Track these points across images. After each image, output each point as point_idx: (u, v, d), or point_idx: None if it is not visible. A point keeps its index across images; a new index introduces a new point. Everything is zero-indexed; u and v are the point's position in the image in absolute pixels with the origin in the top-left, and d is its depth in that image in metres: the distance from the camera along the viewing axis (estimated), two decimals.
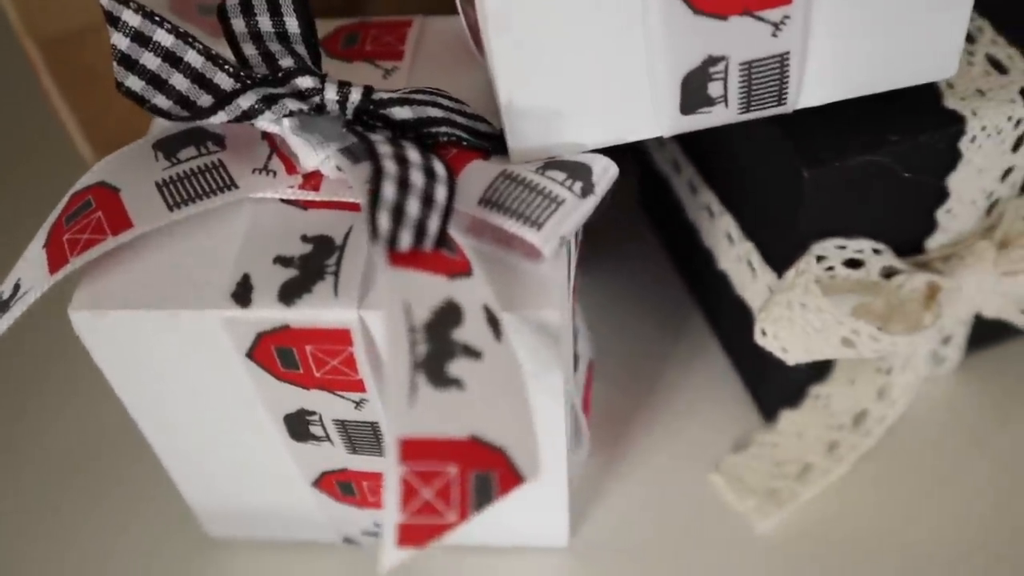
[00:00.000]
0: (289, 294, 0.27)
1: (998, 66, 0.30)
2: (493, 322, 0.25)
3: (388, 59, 0.33)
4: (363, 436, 0.30)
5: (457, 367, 0.24)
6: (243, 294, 0.27)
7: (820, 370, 0.37)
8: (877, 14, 0.27)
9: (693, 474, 0.38)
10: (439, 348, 0.24)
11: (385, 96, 0.28)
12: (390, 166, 0.25)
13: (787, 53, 0.27)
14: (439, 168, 0.26)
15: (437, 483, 0.23)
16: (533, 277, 0.27)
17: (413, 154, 0.26)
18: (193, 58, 0.28)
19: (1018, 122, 0.30)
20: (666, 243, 0.44)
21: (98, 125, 0.38)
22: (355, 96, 0.27)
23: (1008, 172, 0.31)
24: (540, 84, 0.27)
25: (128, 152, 0.29)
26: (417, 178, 0.25)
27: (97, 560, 0.37)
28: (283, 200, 0.29)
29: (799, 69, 0.28)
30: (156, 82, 0.28)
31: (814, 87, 0.28)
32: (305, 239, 0.28)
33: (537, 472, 0.24)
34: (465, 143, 0.28)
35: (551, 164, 0.28)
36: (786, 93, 0.28)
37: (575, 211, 0.27)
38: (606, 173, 0.28)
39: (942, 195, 0.31)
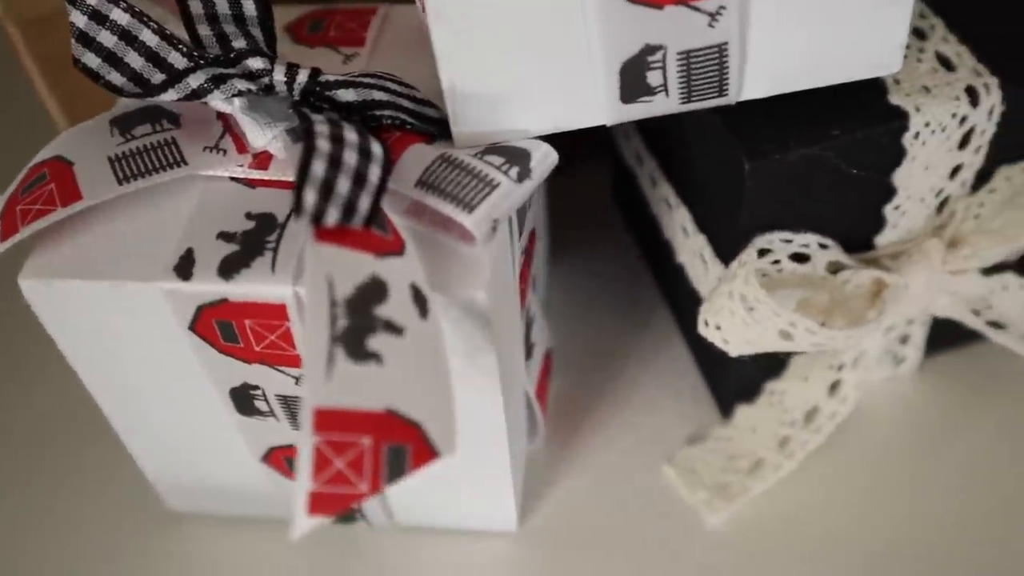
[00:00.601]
0: (228, 268, 0.27)
1: (947, 64, 0.30)
2: (420, 300, 0.25)
3: (349, 45, 0.34)
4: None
5: (377, 342, 0.24)
6: (185, 267, 0.27)
7: (776, 366, 0.37)
8: (818, 7, 0.27)
9: (647, 466, 0.38)
10: (360, 323, 0.24)
11: (331, 79, 0.28)
12: (323, 144, 0.26)
13: (725, 44, 0.27)
14: (376, 149, 0.27)
15: (350, 454, 0.23)
16: (464, 259, 0.27)
17: (350, 135, 0.26)
18: (148, 37, 0.28)
19: (963, 119, 0.30)
20: (636, 238, 0.44)
21: (78, 105, 0.39)
22: (302, 77, 0.28)
23: (957, 170, 0.31)
24: (482, 70, 0.27)
25: (86, 127, 0.30)
26: (350, 157, 0.26)
27: (59, 534, 0.38)
28: (232, 178, 0.29)
29: (739, 60, 0.28)
30: (112, 60, 0.28)
31: (756, 79, 0.29)
32: (249, 216, 0.28)
33: (453, 449, 0.24)
34: (409, 127, 0.29)
35: (491, 149, 0.28)
36: (727, 84, 0.28)
37: (510, 195, 0.27)
38: (545, 160, 0.28)
39: (889, 191, 0.31)
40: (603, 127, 0.30)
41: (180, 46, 0.29)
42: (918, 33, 0.31)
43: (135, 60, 0.29)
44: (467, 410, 0.30)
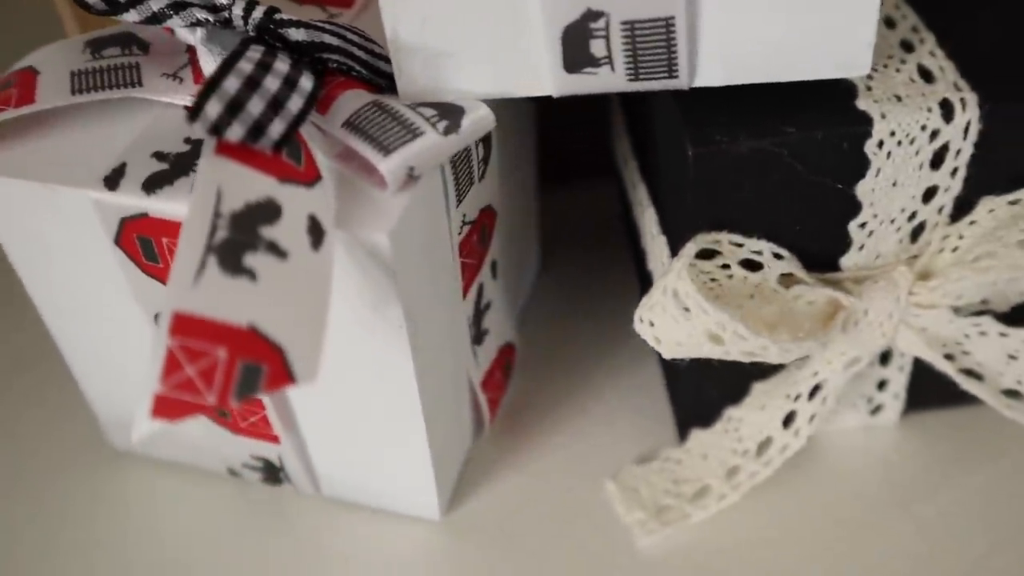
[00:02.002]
0: (152, 184, 0.28)
1: (927, 76, 0.29)
2: (315, 232, 0.25)
3: (337, 6, 0.34)
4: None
5: (255, 260, 0.24)
6: (114, 179, 0.28)
7: (737, 393, 0.35)
8: None
9: (591, 478, 0.36)
10: (240, 238, 0.24)
11: (285, 18, 0.29)
12: (245, 66, 0.26)
13: (672, 18, 0.26)
14: (305, 83, 0.27)
15: (203, 363, 0.23)
16: (377, 203, 0.27)
17: (280, 65, 0.27)
18: None
19: (934, 133, 0.28)
20: (631, 252, 0.43)
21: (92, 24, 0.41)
22: (257, 13, 0.29)
23: (932, 193, 0.29)
24: (424, 22, 0.27)
25: (65, 44, 0.31)
26: (272, 84, 0.26)
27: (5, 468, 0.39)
28: (185, 107, 0.30)
29: (689, 40, 0.27)
30: None
31: (710, 65, 0.27)
32: (187, 141, 0.29)
33: (313, 377, 0.24)
34: (356, 74, 0.29)
35: (429, 103, 0.28)
36: (676, 65, 0.27)
37: (433, 147, 0.27)
38: (480, 121, 0.28)
39: (853, 206, 0.29)
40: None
41: None
42: (905, 45, 0.30)
43: None
44: (376, 368, 0.30)
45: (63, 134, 0.30)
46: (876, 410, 0.36)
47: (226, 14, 0.29)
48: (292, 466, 0.35)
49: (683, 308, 0.28)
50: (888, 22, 0.31)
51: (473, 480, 0.37)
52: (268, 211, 0.25)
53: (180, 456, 0.37)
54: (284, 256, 0.24)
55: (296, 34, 0.28)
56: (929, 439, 0.36)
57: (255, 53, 0.26)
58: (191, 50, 0.31)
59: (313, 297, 0.25)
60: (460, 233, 0.31)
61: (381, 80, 0.29)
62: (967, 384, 0.31)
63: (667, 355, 0.30)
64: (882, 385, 0.35)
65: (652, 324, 0.29)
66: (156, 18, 0.29)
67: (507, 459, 0.37)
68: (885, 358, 0.34)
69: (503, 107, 0.33)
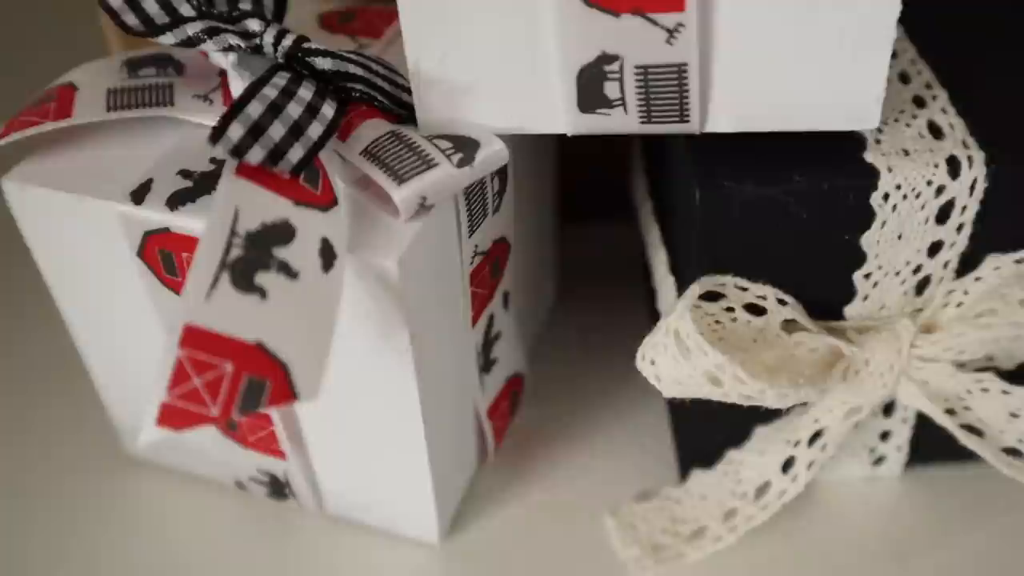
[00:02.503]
0: (176, 201, 0.29)
1: (937, 132, 0.29)
2: (327, 255, 0.26)
3: (367, 36, 0.35)
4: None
5: (266, 279, 0.25)
6: (140, 194, 0.29)
7: (740, 436, 0.35)
8: (787, 46, 0.27)
9: (591, 512, 0.36)
10: (254, 256, 0.25)
11: (313, 47, 0.30)
12: (270, 92, 0.27)
13: (684, 65, 0.27)
14: (327, 110, 0.28)
15: (210, 375, 0.24)
16: (389, 230, 0.28)
17: (304, 92, 0.28)
18: None
19: (940, 189, 0.28)
20: (646, 290, 0.43)
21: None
22: (287, 42, 0.30)
23: (937, 247, 0.29)
24: (445, 56, 0.28)
25: (104, 63, 0.33)
26: (294, 110, 0.27)
27: (10, 465, 0.40)
28: (212, 127, 0.31)
29: (702, 87, 0.27)
30: (132, 3, 0.31)
31: (721, 111, 0.28)
32: (212, 161, 0.30)
33: (314, 395, 0.25)
34: (378, 104, 0.30)
35: (446, 135, 0.29)
36: (688, 109, 0.28)
37: (446, 179, 0.28)
38: (494, 154, 0.29)
39: (858, 256, 0.29)
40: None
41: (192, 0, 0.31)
42: (918, 101, 0.30)
43: (151, 6, 0.31)
44: (381, 391, 0.30)
45: (96, 148, 0.31)
46: (879, 461, 0.36)
47: (257, 40, 0.30)
48: (297, 482, 0.35)
49: (684, 349, 0.29)
50: (903, 77, 0.31)
51: (475, 507, 0.37)
52: (283, 232, 0.26)
53: (191, 466, 0.38)
54: (295, 277, 0.25)
55: (323, 63, 0.29)
56: (931, 494, 0.36)
57: (280, 80, 0.28)
58: (223, 74, 0.32)
59: (320, 318, 0.25)
60: (471, 263, 0.32)
61: (403, 111, 0.30)
62: (967, 440, 0.31)
63: (667, 394, 0.30)
64: (885, 436, 0.35)
65: (654, 363, 0.30)
66: (191, 41, 0.30)
67: (510, 488, 0.38)
68: (888, 409, 0.34)
69: (522, 143, 0.34)
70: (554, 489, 0.38)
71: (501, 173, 0.32)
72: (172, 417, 0.24)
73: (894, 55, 0.32)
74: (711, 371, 0.28)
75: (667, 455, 0.38)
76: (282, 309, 0.25)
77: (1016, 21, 0.34)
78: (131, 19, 0.31)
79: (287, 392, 0.24)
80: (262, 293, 0.25)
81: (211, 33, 0.30)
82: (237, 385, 0.24)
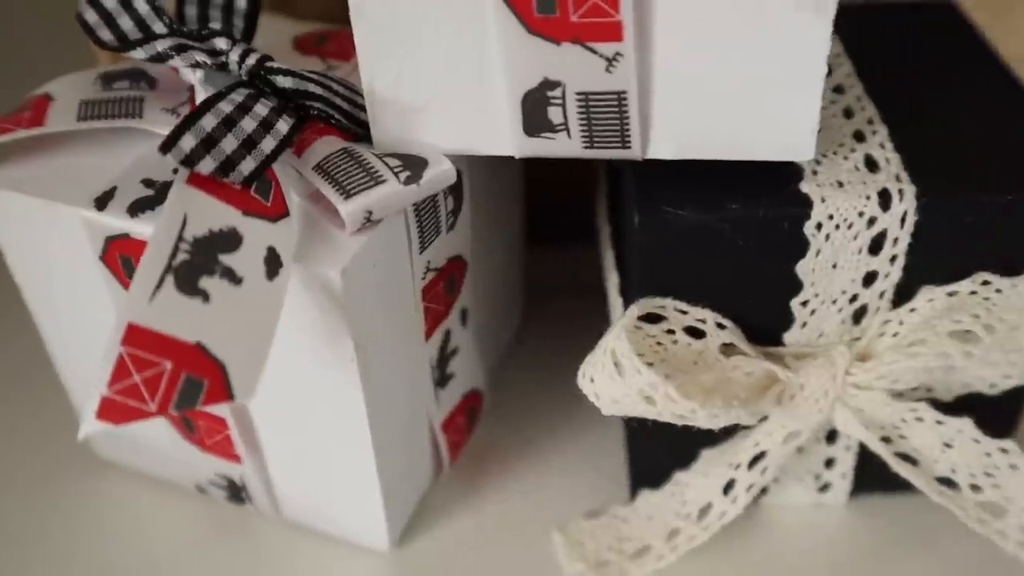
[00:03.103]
0: (137, 208, 0.30)
1: (872, 166, 0.30)
2: (272, 263, 0.27)
3: (337, 59, 0.36)
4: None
5: (210, 283, 0.26)
6: (103, 200, 0.30)
7: (687, 459, 0.36)
8: (723, 79, 0.28)
9: (541, 527, 0.37)
10: (200, 261, 0.26)
11: (275, 66, 0.31)
12: (226, 107, 0.28)
13: (624, 92, 0.28)
14: (281, 126, 0.29)
15: (149, 372, 0.25)
16: (335, 243, 0.29)
17: (260, 108, 0.29)
18: (141, 6, 0.32)
19: (871, 220, 0.29)
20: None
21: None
22: (250, 60, 0.31)
23: (872, 278, 0.30)
24: (399, 76, 0.29)
25: (80, 76, 0.34)
26: (248, 125, 0.28)
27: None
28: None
29: (642, 114, 0.28)
30: (108, 20, 0.32)
31: (663, 139, 0.29)
32: (175, 171, 0.31)
33: (250, 396, 0.26)
34: (335, 122, 0.31)
35: (397, 154, 0.30)
36: (628, 135, 0.29)
37: (392, 195, 0.29)
38: (442, 174, 0.30)
39: (794, 283, 0.30)
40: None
41: (164, 18, 0.32)
42: (858, 136, 0.31)
43: (126, 23, 0.32)
44: (330, 399, 0.31)
45: (66, 156, 0.32)
46: (824, 488, 0.37)
47: (224, 58, 0.31)
48: (254, 487, 0.36)
49: (620, 368, 0.29)
50: (847, 112, 0.32)
51: (428, 518, 0.38)
52: (229, 240, 0.27)
53: (157, 469, 0.39)
54: (238, 282, 0.26)
55: (284, 81, 0.31)
56: (876, 522, 0.37)
57: (238, 96, 0.29)
58: (192, 89, 0.33)
59: (261, 322, 0.26)
60: (424, 279, 0.33)
61: (360, 129, 0.31)
62: (900, 468, 0.32)
63: (606, 412, 0.31)
64: (830, 463, 0.36)
65: (593, 380, 0.31)
66: (160, 57, 0.31)
67: (464, 501, 0.39)
68: (832, 436, 0.35)
69: (481, 165, 0.35)
70: (507, 504, 0.38)
71: (456, 193, 0.33)
72: (111, 411, 0.25)
73: (841, 91, 0.33)
74: (645, 390, 0.29)
75: (620, 475, 0.39)
76: (223, 313, 0.26)
77: (960, 60, 0.35)
78: (106, 35, 0.32)
79: (223, 392, 0.25)
80: (205, 296, 0.26)
81: (179, 50, 0.31)
82: (175, 383, 0.25)
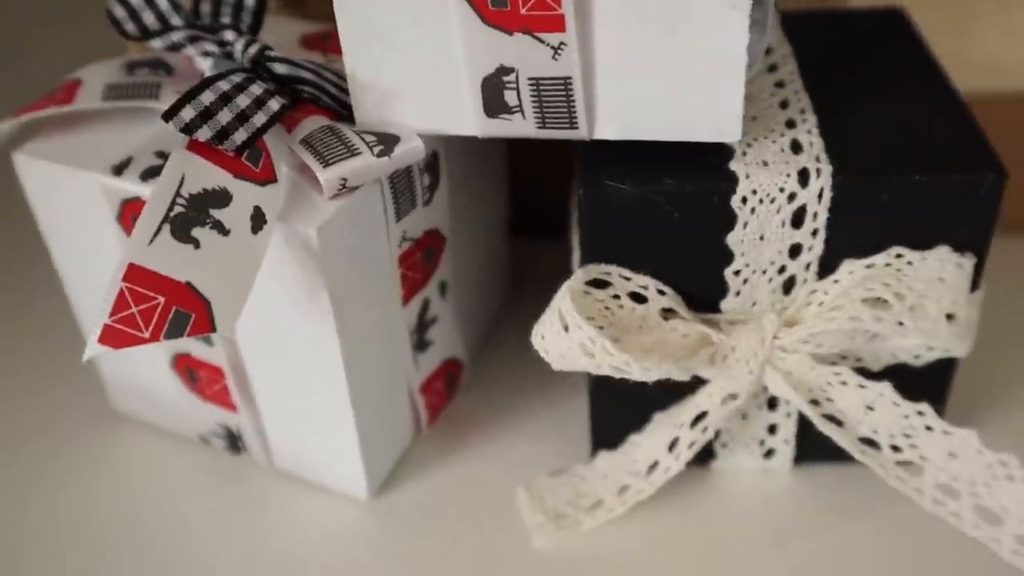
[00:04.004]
0: (148, 175, 0.34)
1: (797, 149, 0.33)
2: (257, 220, 0.31)
3: (336, 53, 0.41)
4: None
5: (201, 233, 0.30)
6: (120, 168, 0.35)
7: (642, 422, 0.39)
8: (654, 65, 0.31)
9: (509, 484, 0.40)
10: (193, 214, 0.30)
11: (273, 54, 0.35)
12: (223, 85, 0.32)
13: (569, 78, 0.32)
14: (273, 104, 0.33)
15: (145, 305, 0.29)
16: (315, 205, 0.33)
17: (256, 89, 0.33)
18: (161, 3, 0.37)
19: (791, 196, 0.32)
20: None
21: None
22: (252, 49, 0.35)
23: (797, 250, 0.33)
24: (377, 64, 0.33)
25: (109, 62, 0.39)
26: (243, 101, 0.33)
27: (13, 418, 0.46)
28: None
29: (587, 98, 0.32)
30: (133, 15, 0.37)
31: (606, 121, 0.33)
32: None
33: (230, 330, 0.30)
34: (323, 104, 0.35)
35: (375, 132, 0.34)
36: (576, 117, 0.32)
37: (365, 166, 0.33)
38: (411, 150, 0.34)
39: (726, 254, 0.33)
40: None
41: (181, 13, 0.37)
42: (790, 123, 0.34)
43: (148, 18, 0.37)
44: (311, 349, 0.35)
45: (92, 132, 0.37)
46: (769, 454, 0.39)
47: (230, 48, 0.36)
48: (248, 436, 0.40)
49: (564, 325, 0.33)
50: (783, 104, 0.35)
51: (406, 474, 0.42)
52: (220, 197, 0.31)
53: (165, 422, 0.43)
54: (226, 234, 0.31)
55: (279, 68, 0.35)
56: (819, 488, 0.39)
57: (236, 78, 0.33)
58: (204, 76, 0.38)
59: (243, 269, 0.31)
60: (400, 247, 0.37)
61: (345, 111, 0.36)
62: (825, 428, 0.34)
63: (555, 367, 0.34)
64: (772, 429, 0.39)
65: (543, 338, 0.34)
66: (175, 46, 0.36)
67: (441, 460, 0.42)
68: (773, 404, 0.38)
69: (462, 150, 0.39)
70: (480, 463, 0.42)
71: (432, 170, 0.37)
72: (111, 337, 0.29)
73: (782, 85, 0.37)
74: (585, 344, 0.33)
75: (585, 441, 0.42)
76: (211, 258, 0.30)
77: (899, 63, 0.38)
78: (131, 27, 0.37)
79: (207, 324, 0.29)
80: (196, 244, 0.30)
81: (192, 40, 0.36)
82: (167, 315, 0.29)
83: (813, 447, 0.39)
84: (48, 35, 0.62)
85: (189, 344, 0.38)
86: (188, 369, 0.39)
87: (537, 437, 0.43)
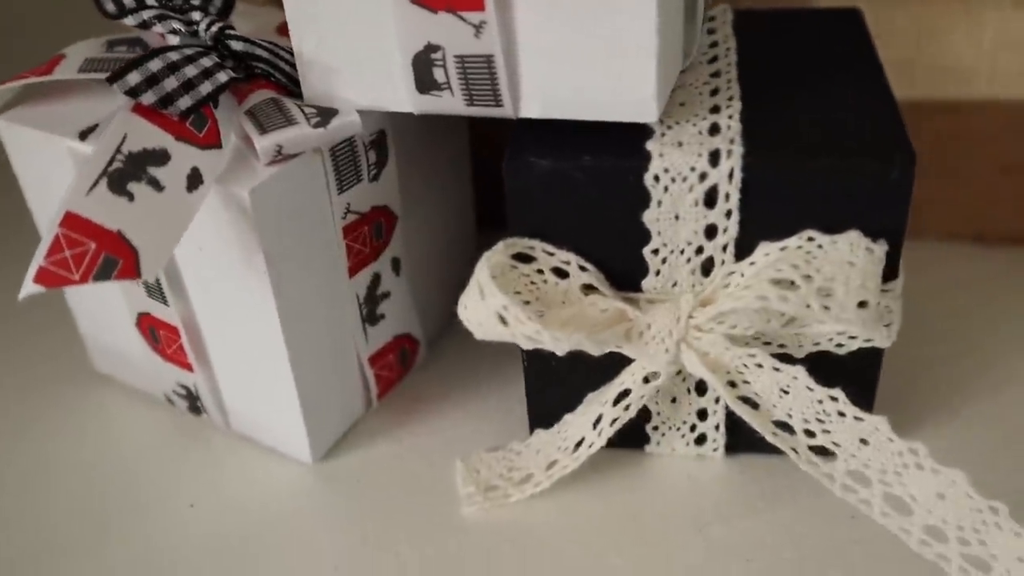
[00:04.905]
0: None
1: (715, 132, 0.34)
2: (194, 180, 0.33)
3: None
4: (150, 282, 0.39)
5: (136, 187, 0.32)
6: (86, 133, 0.37)
7: (576, 403, 0.40)
8: (569, 45, 0.32)
9: (451, 458, 0.42)
10: (130, 170, 0.33)
11: (232, 32, 0.38)
12: (173, 55, 0.35)
13: (491, 56, 0.33)
14: (221, 76, 0.36)
15: (77, 249, 0.31)
16: (252, 171, 0.35)
17: (206, 61, 0.36)
18: None
19: (702, 176, 0.33)
20: None
21: None
22: (214, 28, 0.38)
23: (713, 231, 0.34)
24: (320, 38, 0.35)
25: (93, 41, 0.42)
26: (191, 71, 0.35)
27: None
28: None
29: (510, 76, 0.33)
30: None
31: (531, 100, 0.34)
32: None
33: (153, 276, 0.32)
34: (274, 79, 0.37)
35: (316, 105, 0.36)
36: (500, 95, 0.34)
37: (301, 135, 0.35)
38: (347, 123, 0.36)
39: (643, 232, 0.34)
40: None
41: None
42: (715, 109, 0.35)
43: None
44: (251, 309, 0.37)
45: (69, 101, 0.40)
46: (701, 440, 0.40)
47: (195, 27, 0.38)
48: (205, 397, 0.42)
49: (481, 293, 0.34)
50: (714, 91, 0.36)
51: (353, 442, 0.43)
52: (159, 157, 0.33)
53: (137, 382, 0.46)
54: (160, 190, 0.33)
55: (236, 45, 0.37)
56: (748, 476, 0.40)
57: (189, 51, 0.36)
58: None
59: (173, 223, 0.33)
60: (344, 218, 0.39)
61: (296, 88, 0.38)
62: (739, 410, 0.35)
63: (478, 336, 0.36)
64: (703, 415, 0.39)
65: (466, 307, 0.35)
66: (146, 24, 0.39)
67: (389, 432, 0.44)
68: (702, 388, 0.38)
69: (414, 129, 0.41)
70: (425, 437, 0.43)
71: (379, 148, 0.39)
72: (45, 277, 0.31)
73: (717, 75, 0.38)
74: (499, 311, 0.34)
75: (526, 418, 0.43)
76: (143, 211, 0.32)
77: (842, 60, 0.38)
78: (109, 6, 0.40)
79: (133, 271, 0.32)
80: (131, 197, 0.32)
81: (161, 18, 0.38)
82: (96, 260, 0.31)
83: (750, 437, 0.39)
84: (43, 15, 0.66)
85: (149, 304, 0.41)
86: (150, 329, 0.42)
87: (484, 417, 0.44)
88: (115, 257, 0.31)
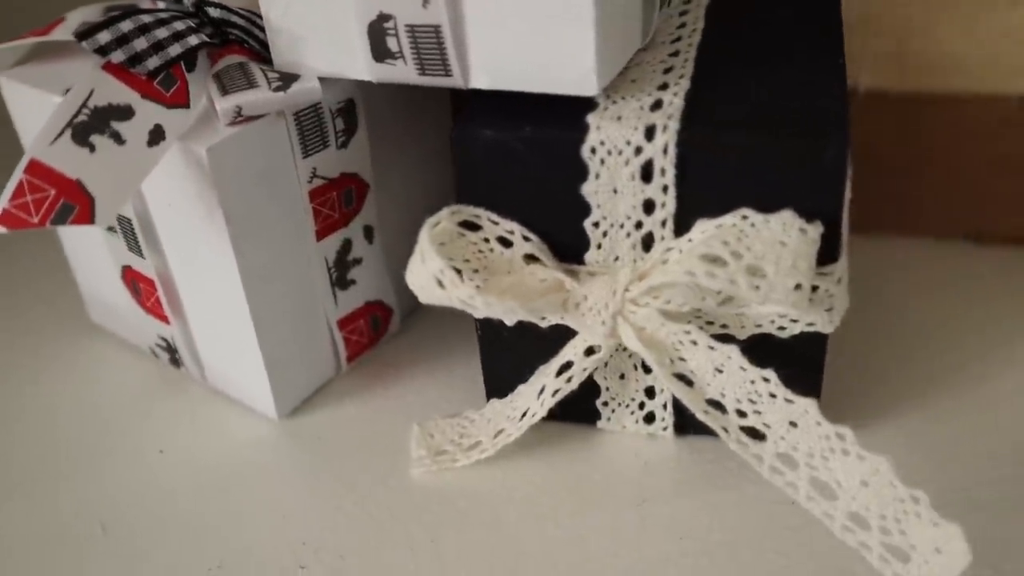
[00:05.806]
0: None
1: (656, 108, 0.34)
2: (156, 136, 0.35)
3: None
4: (128, 235, 0.41)
5: (98, 140, 0.34)
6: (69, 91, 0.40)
7: (528, 375, 0.40)
8: (513, 18, 0.33)
9: (411, 422, 0.43)
10: (94, 123, 0.34)
11: (213, 1, 0.39)
12: (146, 18, 0.37)
13: (439, 26, 0.34)
14: (192, 40, 0.37)
15: (38, 195, 0.33)
16: (216, 130, 0.36)
17: (179, 25, 0.37)
18: None
19: (638, 149, 0.33)
20: None
21: None
22: None
23: (651, 206, 0.34)
24: (286, 5, 0.37)
25: (94, 7, 0.44)
26: (162, 34, 0.37)
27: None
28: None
29: (457, 47, 0.34)
30: None
31: (479, 70, 0.35)
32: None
33: (107, 223, 0.34)
34: (248, 46, 0.39)
35: (280, 71, 0.38)
36: (449, 65, 0.35)
37: (260, 98, 0.36)
38: (307, 89, 0.37)
39: (583, 205, 0.35)
40: None
41: None
42: (663, 87, 0.35)
43: None
44: (215, 265, 0.39)
45: (63, 61, 0.42)
46: (650, 418, 0.40)
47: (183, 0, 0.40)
48: (182, 350, 0.44)
49: (422, 258, 0.35)
50: (667, 70, 0.36)
51: (323, 402, 0.45)
52: (123, 112, 0.35)
53: (125, 333, 0.48)
54: (122, 143, 0.35)
55: (214, 12, 0.39)
56: (696, 457, 0.40)
57: (164, 14, 0.37)
58: None
59: (131, 175, 0.35)
60: (311, 182, 0.40)
61: (268, 54, 0.39)
62: (672, 386, 0.35)
63: (421, 299, 0.37)
64: (650, 393, 0.39)
65: (411, 272, 0.36)
66: None
67: (356, 395, 0.45)
68: (648, 366, 0.39)
69: (387, 98, 0.42)
70: (391, 401, 0.44)
71: (347, 116, 0.40)
72: (7, 219, 0.33)
73: (676, 54, 0.38)
74: (436, 275, 0.35)
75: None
76: (103, 162, 0.34)
77: (807, 39, 0.38)
78: None
79: (87, 217, 0.33)
80: (92, 148, 0.34)
81: None
82: (55, 205, 0.33)
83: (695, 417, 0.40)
84: None
85: (130, 257, 0.43)
86: (133, 281, 0.44)
87: (450, 385, 0.45)
88: (72, 204, 0.33)
